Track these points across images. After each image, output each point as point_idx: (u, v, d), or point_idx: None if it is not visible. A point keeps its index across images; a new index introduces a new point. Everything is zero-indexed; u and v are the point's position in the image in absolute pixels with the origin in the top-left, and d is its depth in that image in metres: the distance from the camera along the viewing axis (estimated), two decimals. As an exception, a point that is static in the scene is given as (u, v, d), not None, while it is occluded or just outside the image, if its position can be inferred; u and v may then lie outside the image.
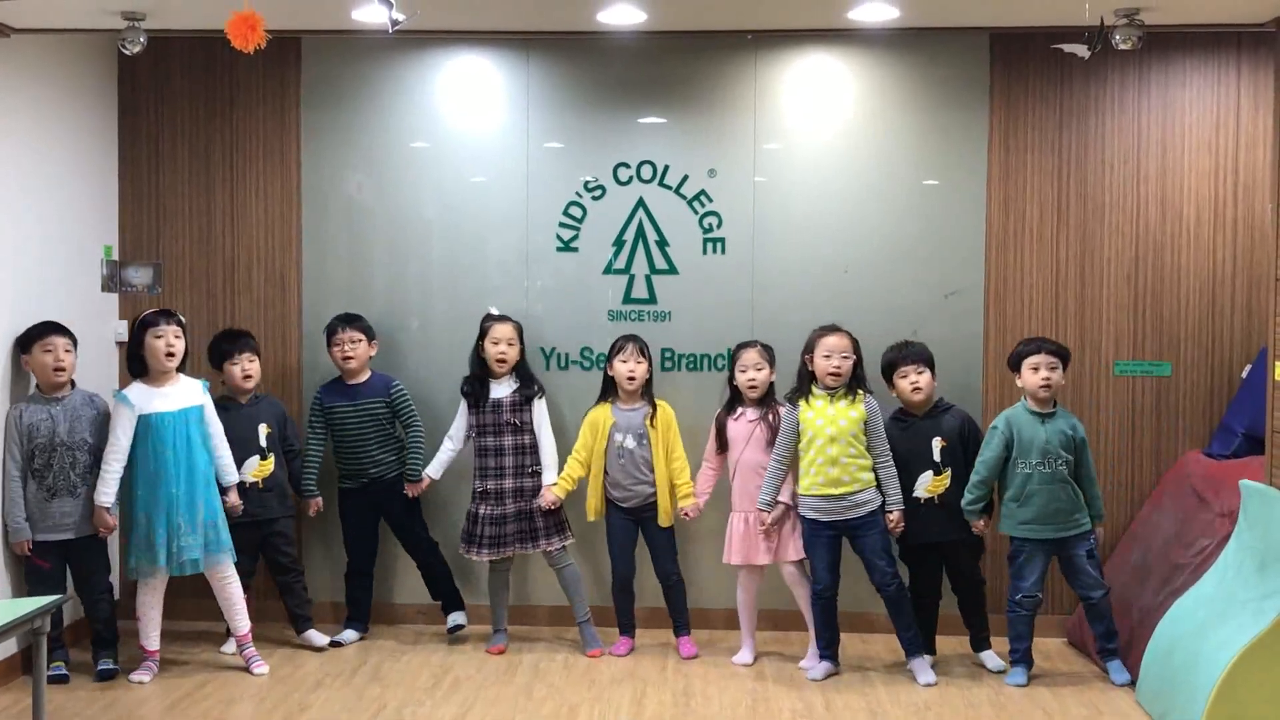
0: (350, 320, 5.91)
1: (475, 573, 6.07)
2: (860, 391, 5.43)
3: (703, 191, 6.11)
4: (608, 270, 6.16)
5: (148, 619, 5.38)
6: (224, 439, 5.53)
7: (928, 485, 5.49)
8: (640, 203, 6.13)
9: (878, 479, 5.41)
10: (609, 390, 5.80)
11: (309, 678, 5.39)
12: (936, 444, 5.49)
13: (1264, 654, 4.31)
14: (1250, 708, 4.32)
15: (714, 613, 6.04)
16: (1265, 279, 5.89)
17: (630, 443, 5.69)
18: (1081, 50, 5.79)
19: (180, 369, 5.46)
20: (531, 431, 5.78)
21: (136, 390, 5.34)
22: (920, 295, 6.05)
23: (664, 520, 5.70)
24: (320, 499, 5.96)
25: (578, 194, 6.15)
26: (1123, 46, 5.24)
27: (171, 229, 6.25)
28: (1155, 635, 5.00)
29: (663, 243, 6.14)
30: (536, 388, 5.83)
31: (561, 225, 6.16)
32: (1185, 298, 6.01)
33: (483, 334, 5.81)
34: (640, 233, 6.14)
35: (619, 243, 6.15)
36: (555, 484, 5.75)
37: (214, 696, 5.14)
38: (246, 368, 5.76)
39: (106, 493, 5.26)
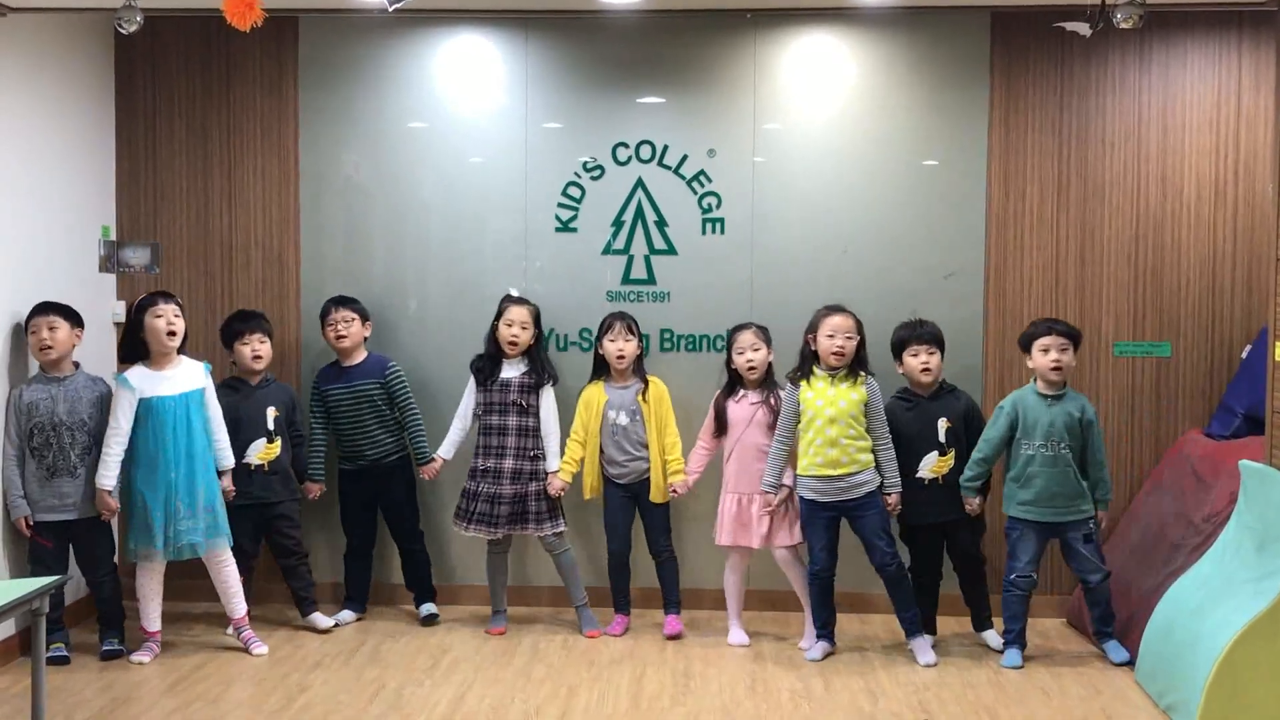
0: (343, 301, 5.90)
1: (474, 553, 6.06)
2: (862, 373, 5.41)
3: (702, 172, 6.09)
4: (606, 251, 6.14)
5: (147, 600, 5.38)
6: (222, 423, 5.52)
7: (932, 466, 5.48)
8: (639, 183, 6.11)
9: (876, 461, 5.40)
10: (601, 369, 5.81)
11: (308, 658, 5.39)
12: (942, 425, 5.48)
13: (1263, 634, 4.31)
14: (1249, 687, 4.32)
15: (706, 593, 6.03)
16: (1265, 258, 5.88)
17: (623, 419, 5.70)
18: (1083, 28, 5.77)
19: (180, 350, 5.44)
20: (537, 415, 5.77)
21: (138, 373, 5.32)
22: (920, 275, 6.04)
23: (656, 496, 5.71)
24: (322, 484, 5.96)
25: (576, 174, 6.13)
26: (1124, 25, 5.20)
27: (169, 209, 6.23)
28: (1154, 615, 5.00)
29: (662, 223, 6.12)
30: (547, 375, 5.81)
31: (560, 206, 6.14)
32: (1185, 277, 6.00)
33: (499, 314, 5.79)
34: (639, 213, 6.12)
35: (618, 223, 6.13)
36: (559, 470, 5.75)
37: (213, 677, 5.14)
38: (257, 348, 5.75)
39: (108, 475, 5.25)
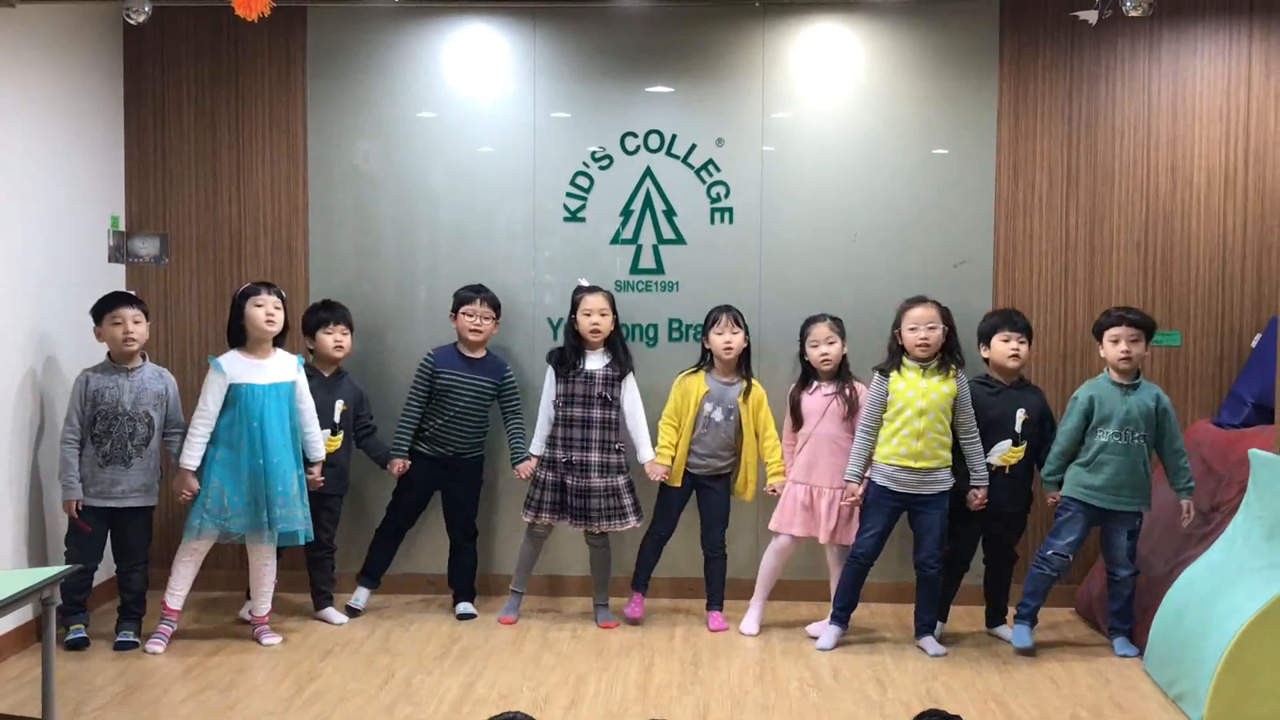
0: (481, 290, 5.85)
1: (491, 545, 6.08)
2: (953, 366, 5.37)
3: (710, 161, 6.08)
4: (615, 240, 6.14)
5: (178, 577, 5.38)
6: (314, 416, 5.53)
7: (1003, 454, 5.45)
8: (648, 172, 6.11)
9: (965, 454, 5.36)
10: (705, 359, 5.76)
11: (319, 646, 5.41)
12: (1020, 415, 5.45)
13: (1273, 622, 4.30)
14: (1259, 676, 4.32)
15: (732, 583, 5.95)
16: (1276, 247, 5.89)
17: (718, 415, 5.66)
18: (1091, 15, 5.77)
19: (277, 343, 5.48)
20: (619, 407, 5.73)
21: (230, 358, 5.37)
22: (929, 264, 6.03)
23: (747, 495, 5.70)
24: (407, 460, 5.88)
25: (585, 164, 6.13)
26: (1133, 13, 5.21)
27: (178, 199, 6.24)
28: (1164, 603, 5.00)
29: (670, 212, 6.12)
30: (630, 364, 5.78)
31: (569, 195, 6.14)
32: (1195, 266, 5.99)
33: (574, 306, 5.75)
34: (648, 202, 6.12)
35: (626, 212, 6.13)
36: (657, 456, 5.72)
37: (225, 665, 5.16)
38: (340, 339, 5.76)
39: (192, 456, 5.29)
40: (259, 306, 5.37)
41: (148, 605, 5.48)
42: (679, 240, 6.12)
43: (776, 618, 5.82)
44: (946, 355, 5.38)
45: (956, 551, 5.56)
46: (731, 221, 6.10)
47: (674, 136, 6.09)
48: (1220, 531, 5.00)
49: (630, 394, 5.76)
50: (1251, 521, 4.77)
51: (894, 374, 5.38)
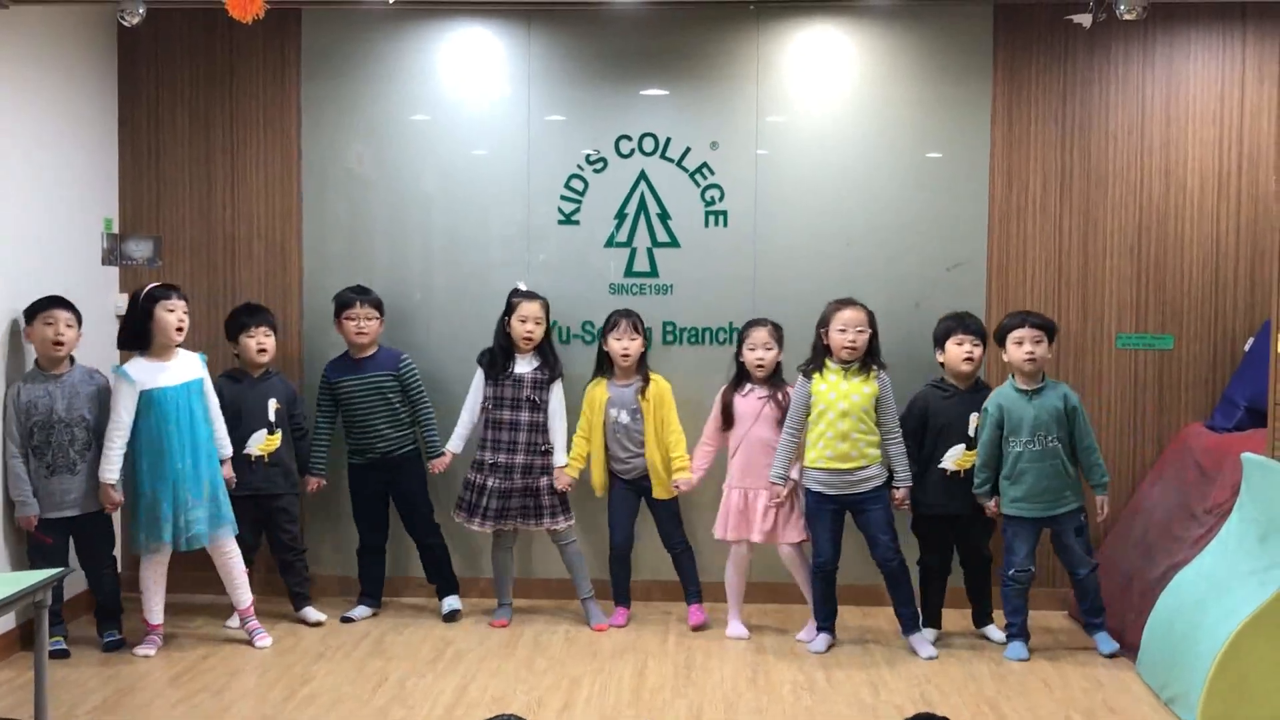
0: (363, 293, 5.87)
1: (480, 547, 6.08)
2: (874, 367, 5.39)
3: (705, 164, 6.08)
4: (609, 243, 6.14)
5: (151, 593, 5.38)
6: (219, 411, 5.53)
7: (958, 458, 5.47)
8: (642, 175, 6.11)
9: (886, 455, 5.39)
10: (604, 366, 5.80)
11: (311, 650, 5.40)
12: (974, 419, 5.47)
13: (1266, 626, 4.31)
14: (1252, 679, 4.32)
15: (710, 585, 5.94)
16: (1269, 251, 5.88)
17: (624, 418, 5.70)
18: (1085, 19, 5.77)
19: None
20: (546, 411, 5.77)
21: (137, 366, 5.31)
22: (923, 268, 6.04)
23: (660, 493, 5.71)
24: (323, 479, 5.94)
25: (579, 167, 6.13)
26: (1127, 16, 5.22)
27: (172, 201, 6.23)
28: (1157, 608, 5.00)
29: (664, 216, 6.12)
30: (558, 369, 5.81)
31: (563, 198, 6.14)
32: (1188, 270, 5.99)
33: (510, 309, 5.77)
34: (642, 206, 6.12)
35: (620, 216, 6.13)
36: (567, 465, 5.75)
37: (217, 669, 5.15)
38: (262, 341, 5.75)
39: (111, 470, 5.24)
40: (170, 311, 5.32)
41: (123, 604, 5.46)
42: (673, 244, 6.12)
43: (768, 621, 5.82)
44: (869, 358, 5.40)
45: (933, 558, 5.59)
46: (726, 225, 6.10)
47: (668, 140, 6.09)
48: (1213, 535, 5.00)
49: (555, 398, 5.79)
50: (1245, 525, 4.77)
51: (816, 376, 5.40)
